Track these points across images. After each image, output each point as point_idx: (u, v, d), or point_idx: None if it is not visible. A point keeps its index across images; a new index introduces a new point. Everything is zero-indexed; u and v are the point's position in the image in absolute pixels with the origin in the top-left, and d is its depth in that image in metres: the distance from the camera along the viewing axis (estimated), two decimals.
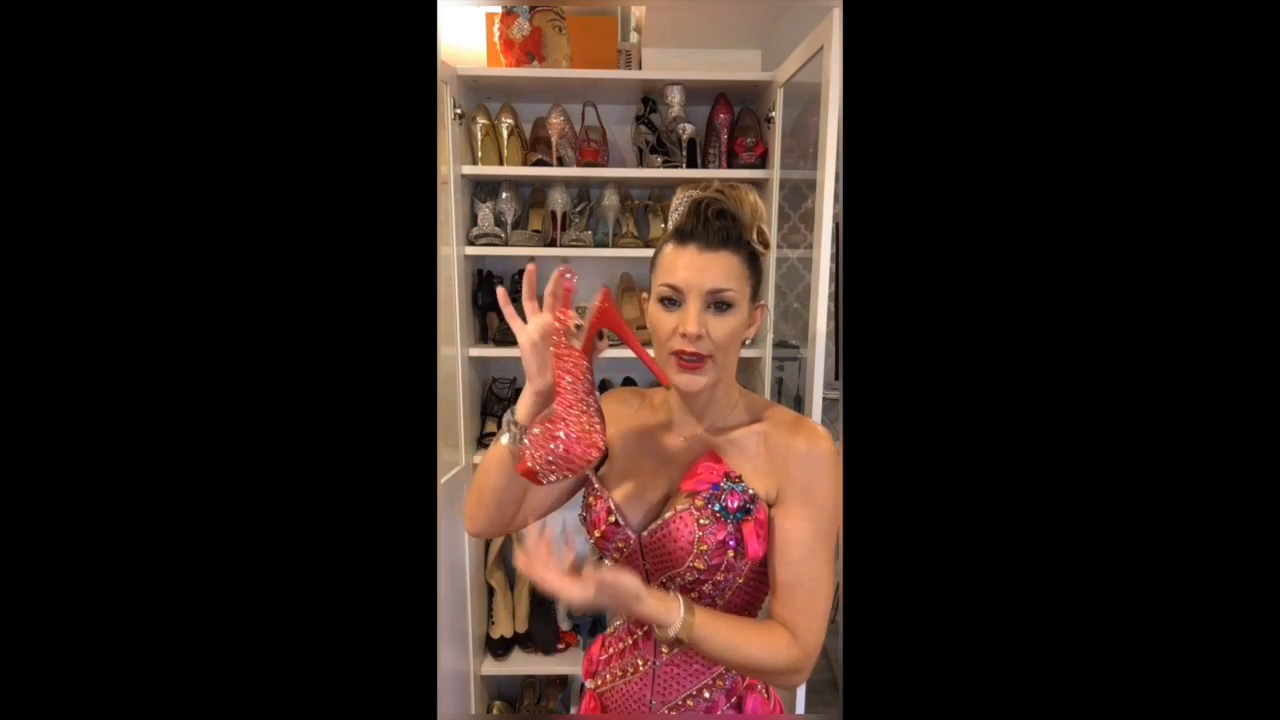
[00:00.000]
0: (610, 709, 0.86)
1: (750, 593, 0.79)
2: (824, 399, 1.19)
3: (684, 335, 0.71)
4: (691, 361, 0.72)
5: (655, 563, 0.78)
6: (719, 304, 0.72)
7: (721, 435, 0.79)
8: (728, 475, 0.75)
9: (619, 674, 0.84)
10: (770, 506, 0.75)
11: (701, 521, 0.73)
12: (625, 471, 0.83)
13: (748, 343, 0.79)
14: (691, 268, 0.72)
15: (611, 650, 0.86)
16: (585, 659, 0.91)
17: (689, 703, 0.80)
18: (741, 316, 0.74)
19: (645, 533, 0.77)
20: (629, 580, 0.67)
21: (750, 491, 0.74)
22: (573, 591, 0.65)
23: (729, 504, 0.73)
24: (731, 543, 0.73)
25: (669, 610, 0.69)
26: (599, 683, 0.87)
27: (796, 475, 0.74)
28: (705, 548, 0.73)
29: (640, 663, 0.82)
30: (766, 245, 0.76)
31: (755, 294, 0.77)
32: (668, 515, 0.76)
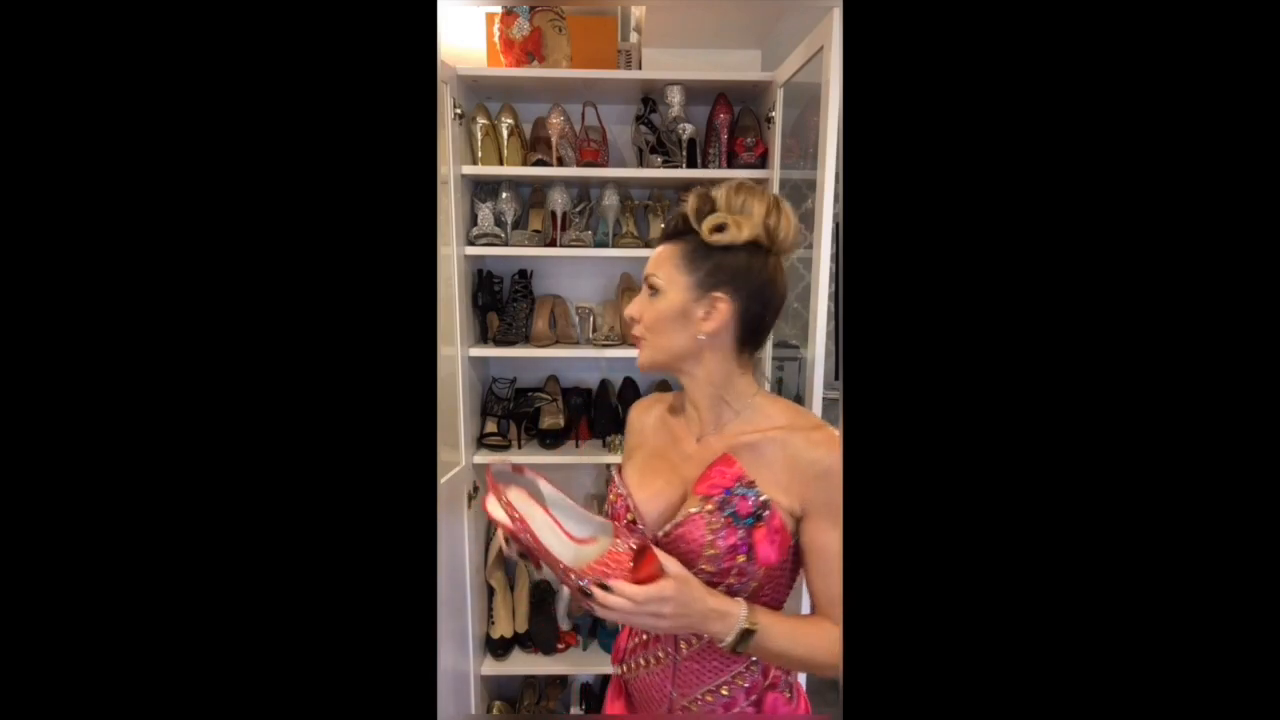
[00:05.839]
0: (634, 696, 0.87)
1: (769, 596, 0.78)
2: (824, 399, 1.19)
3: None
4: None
5: None
6: (651, 289, 0.80)
7: (737, 438, 0.79)
8: (740, 480, 0.74)
9: (642, 663, 0.84)
10: (796, 520, 0.75)
11: (713, 525, 0.73)
12: (643, 470, 0.85)
13: (702, 337, 0.77)
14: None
15: (636, 640, 0.87)
16: (615, 645, 0.93)
17: (708, 698, 0.80)
18: (668, 303, 0.77)
19: (661, 533, 0.77)
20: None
21: (762, 498, 0.73)
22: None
23: (739, 509, 0.73)
24: (743, 549, 0.73)
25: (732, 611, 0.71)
26: (625, 670, 0.88)
27: (821, 492, 0.74)
28: (714, 552, 0.73)
29: (661, 654, 0.82)
30: (718, 230, 0.75)
31: (705, 283, 0.76)
32: (680, 517, 0.76)
